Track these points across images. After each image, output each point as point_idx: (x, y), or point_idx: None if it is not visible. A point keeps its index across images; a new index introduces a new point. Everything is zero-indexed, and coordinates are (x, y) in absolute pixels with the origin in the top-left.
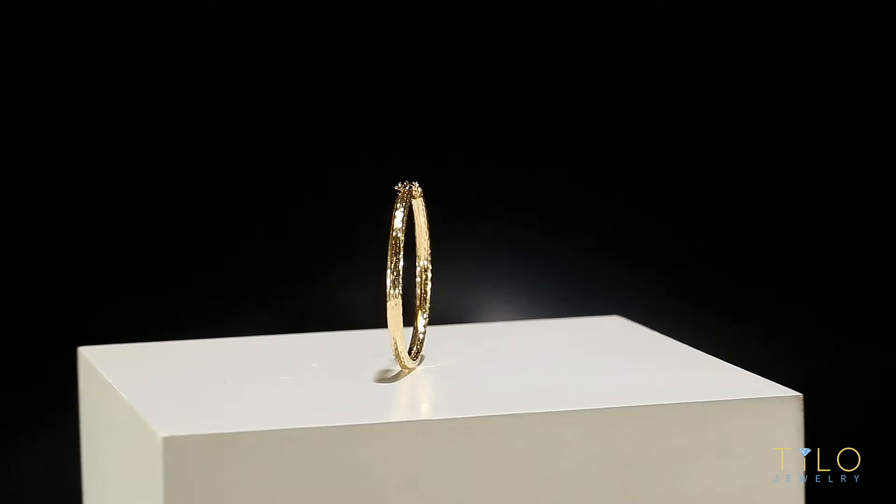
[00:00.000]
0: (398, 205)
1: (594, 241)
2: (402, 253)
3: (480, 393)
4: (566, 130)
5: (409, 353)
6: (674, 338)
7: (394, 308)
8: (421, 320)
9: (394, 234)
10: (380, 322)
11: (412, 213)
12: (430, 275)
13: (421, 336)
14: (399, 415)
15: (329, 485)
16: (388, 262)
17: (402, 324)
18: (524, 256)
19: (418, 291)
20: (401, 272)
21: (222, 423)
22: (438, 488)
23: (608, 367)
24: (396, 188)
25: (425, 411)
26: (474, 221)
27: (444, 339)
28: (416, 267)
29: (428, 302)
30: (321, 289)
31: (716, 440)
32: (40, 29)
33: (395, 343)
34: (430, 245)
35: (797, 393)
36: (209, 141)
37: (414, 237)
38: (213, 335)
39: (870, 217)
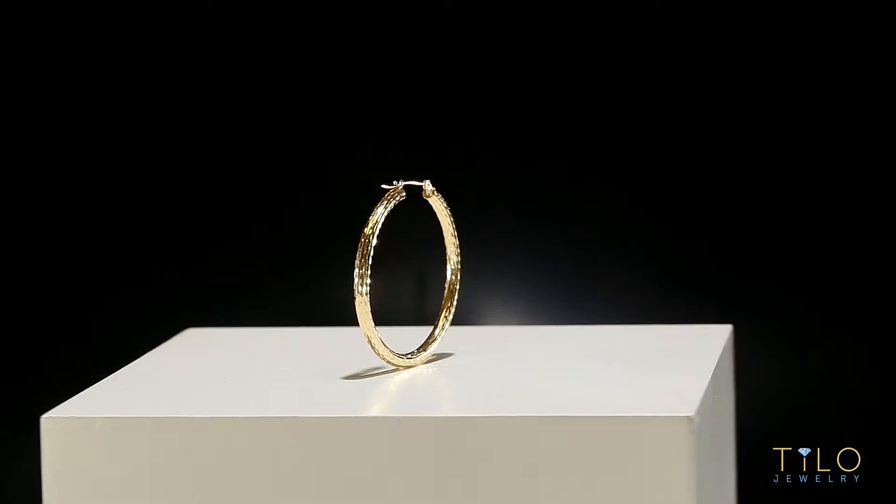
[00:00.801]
0: (378, 205)
1: (594, 241)
2: (370, 252)
3: (437, 393)
4: (566, 130)
5: (418, 350)
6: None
7: (361, 305)
8: (441, 320)
9: (366, 230)
10: (379, 321)
11: (433, 212)
12: (458, 276)
13: (437, 335)
14: (285, 411)
15: (216, 476)
16: (356, 260)
17: (372, 320)
18: (524, 256)
19: (445, 292)
20: (369, 269)
21: (122, 407)
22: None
23: (583, 373)
24: (383, 186)
25: (330, 408)
26: (474, 221)
27: (471, 340)
28: (446, 267)
29: (452, 303)
30: (321, 289)
31: (605, 456)
32: (40, 29)
33: (370, 340)
34: (457, 244)
35: (687, 414)
36: (209, 141)
37: (442, 237)
38: None
39: (870, 217)
